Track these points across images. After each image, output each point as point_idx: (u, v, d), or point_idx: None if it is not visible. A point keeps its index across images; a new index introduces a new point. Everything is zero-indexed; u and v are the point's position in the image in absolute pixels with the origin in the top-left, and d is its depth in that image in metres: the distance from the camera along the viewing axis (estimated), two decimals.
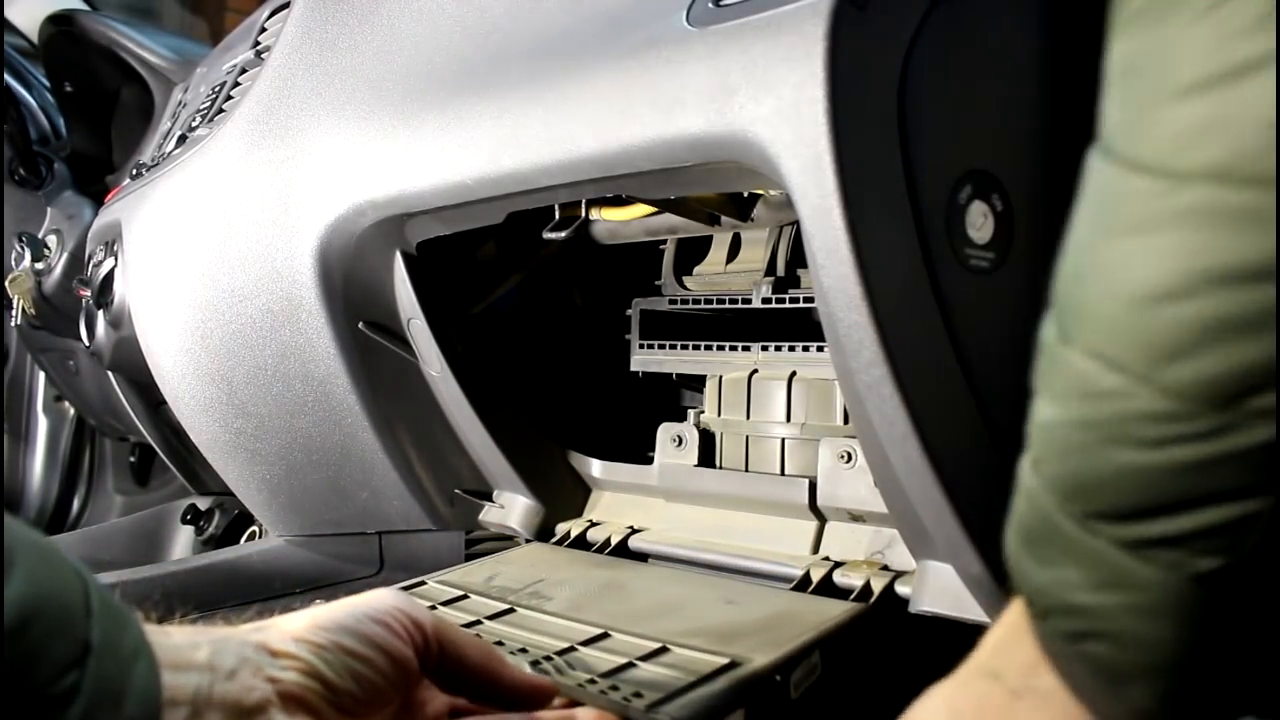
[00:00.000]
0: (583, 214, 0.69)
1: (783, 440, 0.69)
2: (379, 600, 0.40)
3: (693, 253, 0.80)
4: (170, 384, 0.89)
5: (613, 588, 0.66)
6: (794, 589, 0.64)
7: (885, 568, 0.63)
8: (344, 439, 0.81)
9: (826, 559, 0.65)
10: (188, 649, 0.35)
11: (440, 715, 0.44)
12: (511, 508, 0.82)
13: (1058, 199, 0.52)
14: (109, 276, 1.02)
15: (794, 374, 0.69)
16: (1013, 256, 0.50)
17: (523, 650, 0.51)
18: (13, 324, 1.54)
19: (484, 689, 0.43)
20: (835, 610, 0.58)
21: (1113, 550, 0.28)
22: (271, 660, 0.37)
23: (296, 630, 0.38)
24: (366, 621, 0.39)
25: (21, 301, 1.47)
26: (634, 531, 0.75)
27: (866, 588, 0.61)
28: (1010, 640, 0.34)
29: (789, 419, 0.69)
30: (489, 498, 0.85)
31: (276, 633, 0.38)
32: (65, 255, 1.44)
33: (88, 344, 1.16)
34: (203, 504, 1.34)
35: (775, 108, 0.46)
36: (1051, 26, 0.51)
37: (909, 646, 0.64)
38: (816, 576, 0.63)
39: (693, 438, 0.74)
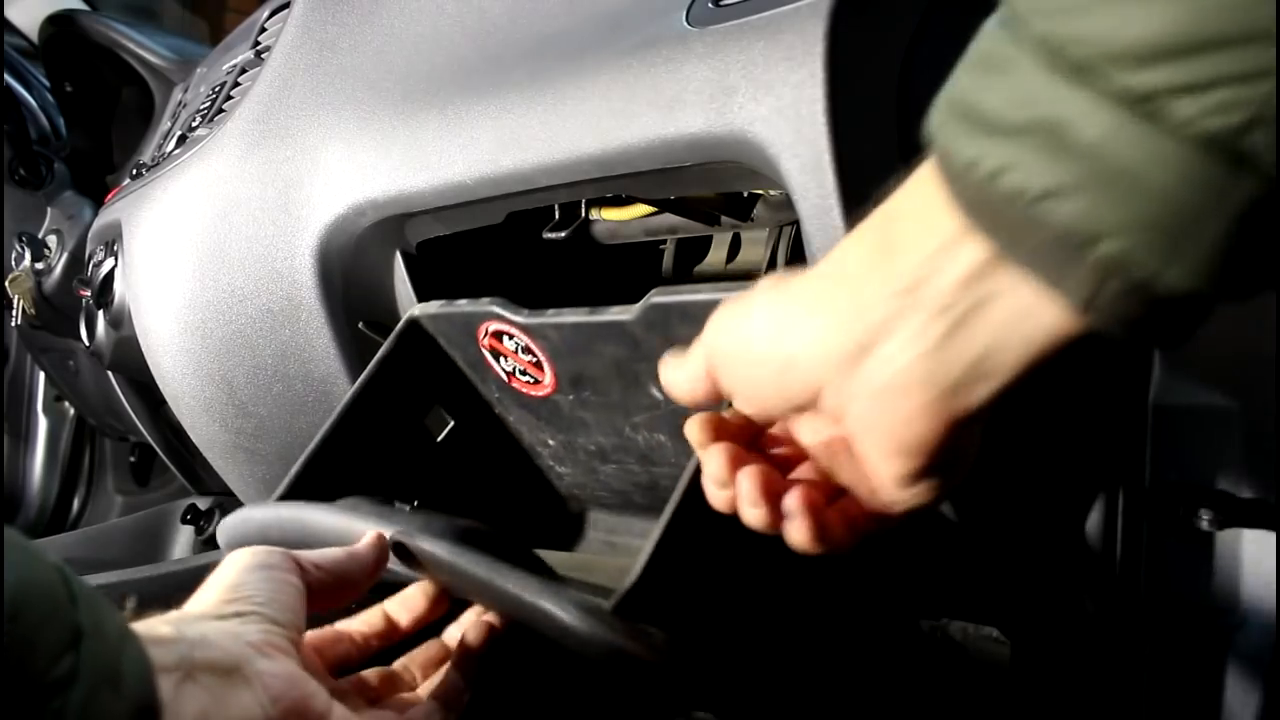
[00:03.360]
0: (583, 214, 0.69)
1: None
2: (255, 553, 0.43)
3: (693, 253, 0.80)
4: (170, 384, 0.89)
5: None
6: None
7: None
8: None
9: None
10: (156, 626, 0.36)
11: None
12: None
13: None
14: (109, 276, 1.02)
15: None
16: None
17: None
18: (13, 324, 1.54)
19: (352, 581, 0.45)
20: None
21: (1107, 104, 0.25)
22: (224, 623, 0.38)
23: (216, 597, 0.40)
24: (259, 570, 0.41)
25: (21, 301, 1.47)
26: None
27: None
28: (927, 264, 0.30)
29: None
30: None
31: (207, 604, 0.40)
32: (65, 255, 1.44)
33: (88, 344, 1.16)
34: (203, 504, 1.34)
35: (775, 107, 0.46)
36: None
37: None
38: None
39: None
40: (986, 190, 0.28)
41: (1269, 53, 0.23)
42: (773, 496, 0.37)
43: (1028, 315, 0.28)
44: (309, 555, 0.44)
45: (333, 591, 0.44)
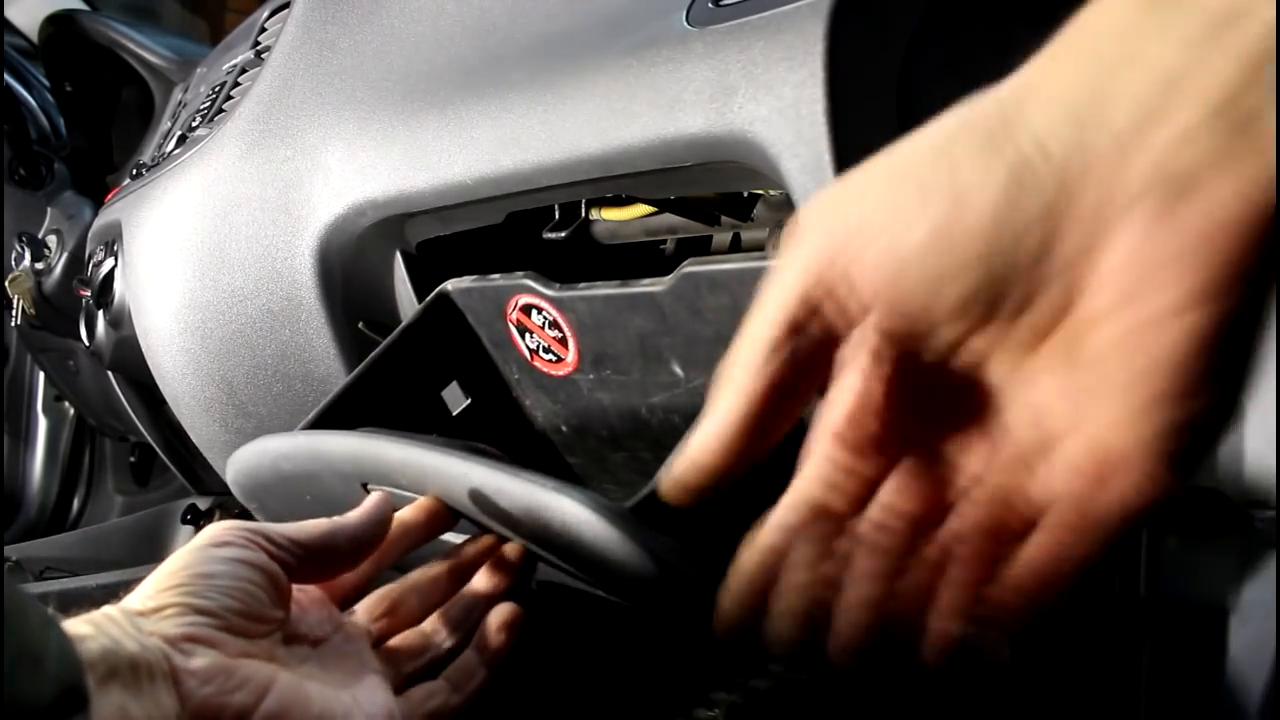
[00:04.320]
0: (583, 214, 0.69)
1: None
2: (211, 530, 0.41)
3: (692, 253, 0.80)
4: (170, 384, 0.89)
5: None
6: None
7: None
8: None
9: None
10: (76, 624, 0.36)
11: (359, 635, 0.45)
12: None
13: None
14: (109, 276, 1.02)
15: None
16: None
17: None
18: (13, 324, 1.54)
19: (338, 554, 0.43)
20: None
21: None
22: (143, 619, 0.37)
23: (149, 589, 0.39)
24: (207, 549, 0.40)
25: (21, 301, 1.47)
26: None
27: None
28: None
29: None
30: None
31: (134, 598, 0.39)
32: (65, 255, 1.44)
33: (88, 344, 1.16)
34: (203, 504, 1.34)
35: (775, 107, 0.46)
36: (1049, 26, 0.51)
37: None
38: None
39: None
40: None
41: None
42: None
43: None
44: (284, 529, 0.42)
45: (316, 566, 0.43)
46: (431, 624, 0.47)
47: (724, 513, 0.44)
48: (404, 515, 0.48)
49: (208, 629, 0.38)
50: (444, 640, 0.47)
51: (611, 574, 0.39)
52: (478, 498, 0.44)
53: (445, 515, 0.48)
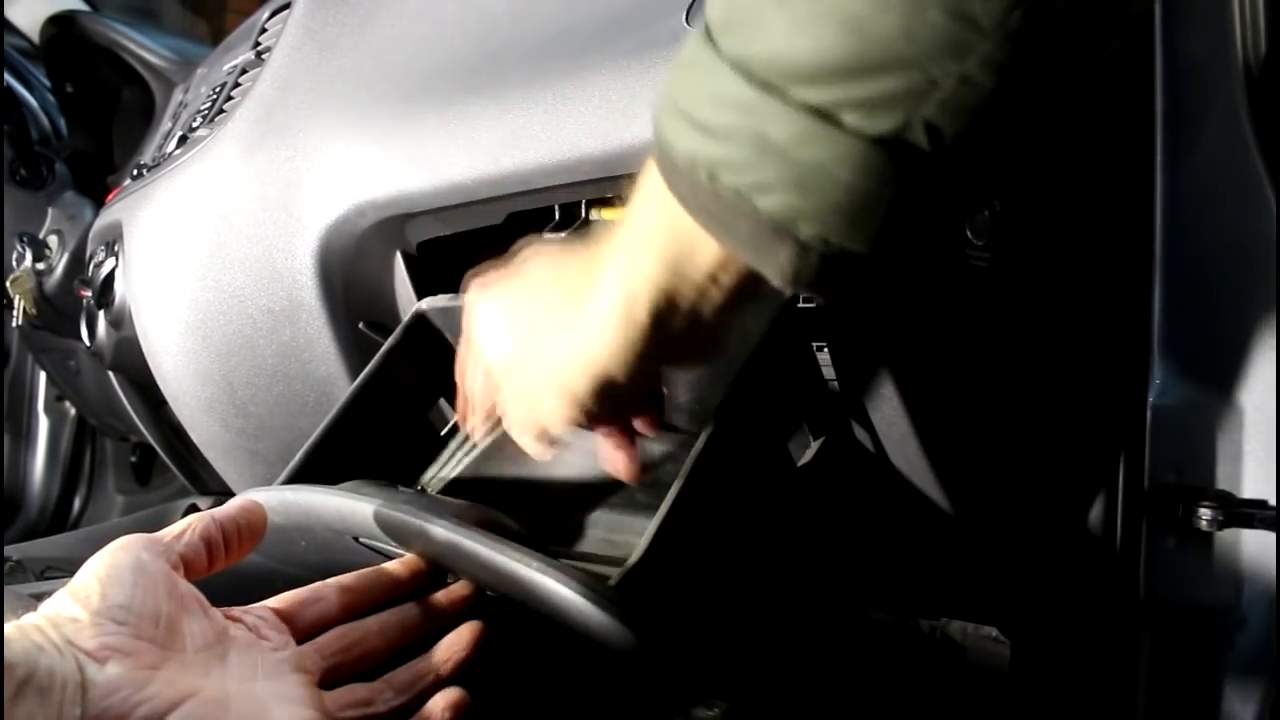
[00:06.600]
0: (583, 214, 0.69)
1: None
2: (120, 542, 0.42)
3: None
4: (170, 384, 0.89)
5: None
6: None
7: None
8: None
9: None
10: (12, 628, 0.36)
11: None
12: None
13: (1053, 200, 0.52)
14: (110, 277, 1.02)
15: None
16: (1011, 256, 0.50)
17: None
18: (14, 324, 1.54)
19: (216, 543, 0.44)
20: None
21: (797, 113, 0.30)
22: (67, 627, 0.38)
23: (72, 595, 0.39)
24: (118, 559, 0.40)
25: (22, 301, 1.47)
26: None
27: None
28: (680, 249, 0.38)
29: None
30: None
31: (61, 603, 0.39)
32: (66, 255, 1.44)
33: (88, 344, 1.16)
34: (203, 504, 1.34)
35: None
36: None
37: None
38: None
39: None
40: (704, 185, 0.32)
41: (908, 74, 0.29)
42: None
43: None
44: (169, 531, 0.43)
45: (205, 556, 0.44)
46: (379, 686, 0.46)
47: (704, 581, 0.44)
48: (391, 569, 0.48)
49: (124, 638, 0.38)
50: (388, 701, 0.45)
51: (595, 644, 0.39)
52: (463, 565, 0.44)
53: (432, 574, 0.48)
